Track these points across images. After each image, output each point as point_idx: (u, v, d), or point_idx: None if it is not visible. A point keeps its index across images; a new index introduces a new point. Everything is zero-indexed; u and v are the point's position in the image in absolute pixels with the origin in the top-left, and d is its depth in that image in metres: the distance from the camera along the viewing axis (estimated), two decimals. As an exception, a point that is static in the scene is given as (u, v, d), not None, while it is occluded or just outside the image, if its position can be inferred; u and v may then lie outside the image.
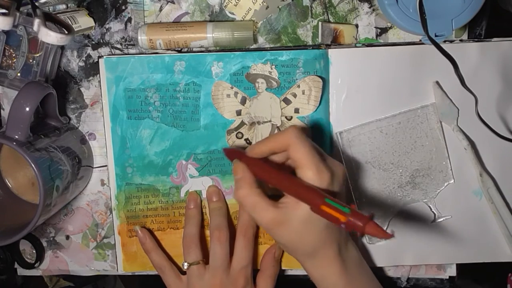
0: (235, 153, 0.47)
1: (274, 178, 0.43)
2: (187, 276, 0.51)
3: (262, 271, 0.52)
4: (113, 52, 0.53)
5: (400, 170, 0.53)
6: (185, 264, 0.50)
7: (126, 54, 0.53)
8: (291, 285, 0.57)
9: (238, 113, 0.51)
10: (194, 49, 0.52)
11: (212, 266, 0.50)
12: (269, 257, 0.52)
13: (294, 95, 0.51)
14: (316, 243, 0.44)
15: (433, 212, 0.53)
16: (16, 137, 0.44)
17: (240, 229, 0.50)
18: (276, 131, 0.51)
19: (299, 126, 0.47)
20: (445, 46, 0.45)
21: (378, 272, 0.56)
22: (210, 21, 0.52)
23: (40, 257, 0.56)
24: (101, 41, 0.53)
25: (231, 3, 0.51)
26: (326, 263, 0.46)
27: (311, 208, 0.41)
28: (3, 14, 0.41)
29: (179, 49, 0.52)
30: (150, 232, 0.53)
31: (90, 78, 0.53)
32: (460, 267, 0.56)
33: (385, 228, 0.53)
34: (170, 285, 0.52)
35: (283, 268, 0.54)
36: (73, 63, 0.53)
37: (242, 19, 0.51)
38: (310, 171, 0.42)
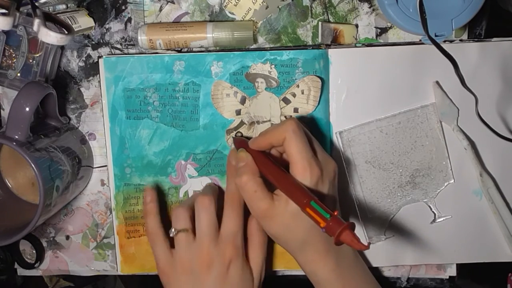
0: (242, 143, 0.48)
1: (271, 173, 0.44)
2: (175, 246, 0.48)
3: (250, 240, 0.49)
4: (113, 52, 0.53)
5: (400, 170, 0.52)
6: (173, 230, 0.47)
7: (126, 54, 0.53)
8: (291, 285, 0.56)
9: (238, 112, 0.51)
10: (194, 49, 0.52)
11: (198, 235, 0.47)
12: (254, 223, 0.49)
13: (294, 95, 0.51)
14: (305, 238, 0.44)
15: (433, 212, 0.53)
16: (16, 137, 0.44)
17: (227, 198, 0.48)
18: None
19: (297, 119, 0.47)
20: (445, 46, 0.45)
21: (378, 272, 0.56)
22: (210, 21, 0.52)
23: (40, 257, 0.56)
24: (101, 41, 0.53)
25: (231, 3, 0.51)
26: (317, 258, 0.45)
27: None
28: (3, 14, 0.41)
29: (179, 49, 0.52)
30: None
31: (90, 78, 0.53)
32: (460, 267, 0.56)
33: (385, 228, 0.53)
34: (159, 256, 0.48)
35: (282, 268, 0.54)
36: (73, 63, 0.53)
37: (242, 19, 0.51)
38: (300, 169, 0.43)
